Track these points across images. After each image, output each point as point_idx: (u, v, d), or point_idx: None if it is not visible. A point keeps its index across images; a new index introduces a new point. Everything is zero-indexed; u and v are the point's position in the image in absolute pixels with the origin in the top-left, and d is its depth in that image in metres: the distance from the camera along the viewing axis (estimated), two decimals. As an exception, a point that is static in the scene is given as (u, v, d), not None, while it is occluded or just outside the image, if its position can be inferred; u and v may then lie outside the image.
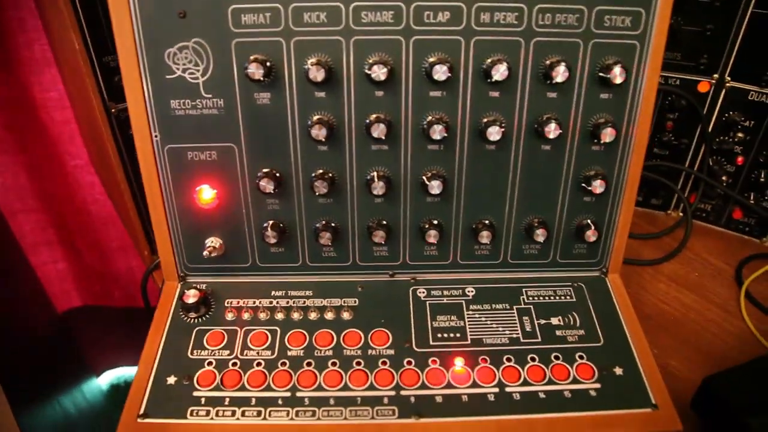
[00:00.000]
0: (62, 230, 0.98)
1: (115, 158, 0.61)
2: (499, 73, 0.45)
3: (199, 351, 0.48)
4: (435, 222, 0.51)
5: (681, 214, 0.76)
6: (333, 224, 0.51)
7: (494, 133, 0.47)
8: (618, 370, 0.47)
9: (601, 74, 0.47)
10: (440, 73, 0.45)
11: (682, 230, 0.73)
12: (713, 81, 0.67)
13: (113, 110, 0.58)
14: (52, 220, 0.97)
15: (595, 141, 0.49)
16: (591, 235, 0.51)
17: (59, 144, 0.89)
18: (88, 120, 0.66)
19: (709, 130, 0.70)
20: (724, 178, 0.71)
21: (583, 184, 0.50)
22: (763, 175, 0.69)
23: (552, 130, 0.47)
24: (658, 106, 0.70)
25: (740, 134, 0.69)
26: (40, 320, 1.01)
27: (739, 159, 0.70)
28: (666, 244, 0.72)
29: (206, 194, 0.49)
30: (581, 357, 0.48)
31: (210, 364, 0.47)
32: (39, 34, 0.77)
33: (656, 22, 0.46)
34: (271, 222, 0.50)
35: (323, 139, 0.47)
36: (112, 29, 0.53)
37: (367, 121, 0.47)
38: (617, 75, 0.46)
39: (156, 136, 0.48)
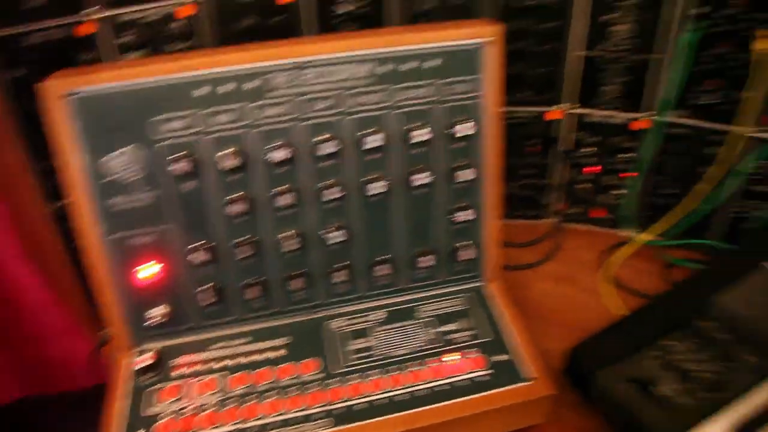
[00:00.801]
0: (-6, 322, 1.05)
1: (57, 250, 0.71)
2: (376, 141, 0.61)
3: (156, 406, 0.59)
4: (343, 264, 0.66)
5: (554, 220, 0.94)
6: (260, 280, 0.64)
7: (379, 187, 0.62)
8: (505, 357, 0.62)
9: (456, 128, 0.63)
10: (329, 148, 0.60)
11: (558, 234, 0.91)
12: (560, 109, 0.86)
13: (52, 208, 0.69)
14: (-18, 313, 1.03)
15: (460, 180, 0.65)
16: (469, 254, 0.68)
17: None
18: (26, 217, 0.75)
19: (565, 148, 0.88)
20: (583, 186, 0.90)
21: (456, 214, 0.66)
22: (611, 180, 0.88)
23: (424, 178, 0.63)
24: (519, 135, 0.88)
25: (589, 149, 0.88)
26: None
27: (592, 168, 0.89)
28: (545, 248, 0.90)
29: (149, 270, 0.62)
30: (476, 351, 0.63)
31: (168, 415, 0.58)
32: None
33: (490, 83, 0.63)
34: (208, 286, 0.63)
35: (243, 212, 0.61)
36: (49, 140, 0.65)
37: (276, 192, 0.61)
38: (468, 128, 0.63)
39: (100, 230, 0.59)
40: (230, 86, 0.58)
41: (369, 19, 0.79)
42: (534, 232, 0.93)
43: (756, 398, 0.58)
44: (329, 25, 0.78)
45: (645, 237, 0.88)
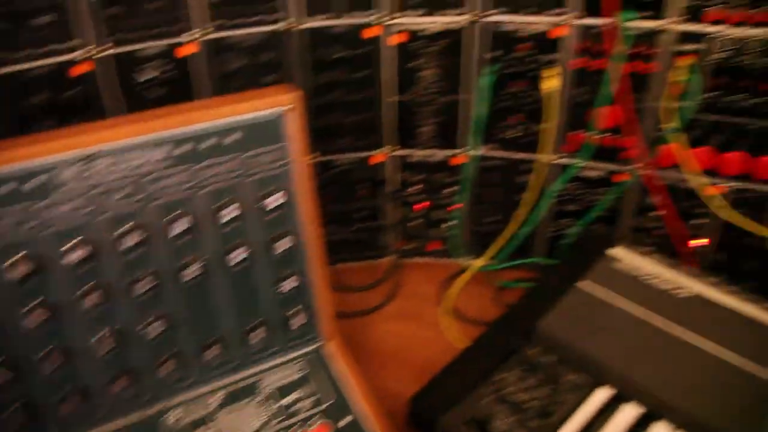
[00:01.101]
0: None
1: None
2: (183, 224, 0.59)
3: None
4: (170, 354, 0.63)
5: (393, 258, 0.96)
6: (78, 388, 0.60)
7: (195, 270, 0.61)
8: (349, 418, 0.63)
9: (267, 200, 0.63)
10: (133, 239, 0.57)
11: (398, 272, 0.94)
12: (383, 153, 0.89)
13: None
14: None
15: (279, 251, 0.65)
16: (301, 320, 0.68)
17: None
18: None
19: (393, 189, 0.91)
20: (415, 222, 0.94)
21: (281, 284, 0.66)
22: (440, 214, 0.92)
23: (241, 253, 0.62)
24: (348, 181, 0.90)
25: (416, 187, 0.91)
26: None
27: (423, 204, 0.93)
28: (387, 288, 0.92)
29: (-60, 402, 0.55)
30: (320, 417, 0.63)
31: None
32: None
33: (295, 149, 0.63)
34: (14, 407, 0.57)
35: (45, 320, 0.56)
36: None
37: (81, 293, 0.57)
38: (279, 198, 0.63)
39: None
40: (10, 187, 0.53)
41: (177, 83, 0.76)
42: (376, 273, 0.94)
43: (581, 414, 0.63)
44: (134, 92, 0.75)
45: (478, 263, 0.93)
